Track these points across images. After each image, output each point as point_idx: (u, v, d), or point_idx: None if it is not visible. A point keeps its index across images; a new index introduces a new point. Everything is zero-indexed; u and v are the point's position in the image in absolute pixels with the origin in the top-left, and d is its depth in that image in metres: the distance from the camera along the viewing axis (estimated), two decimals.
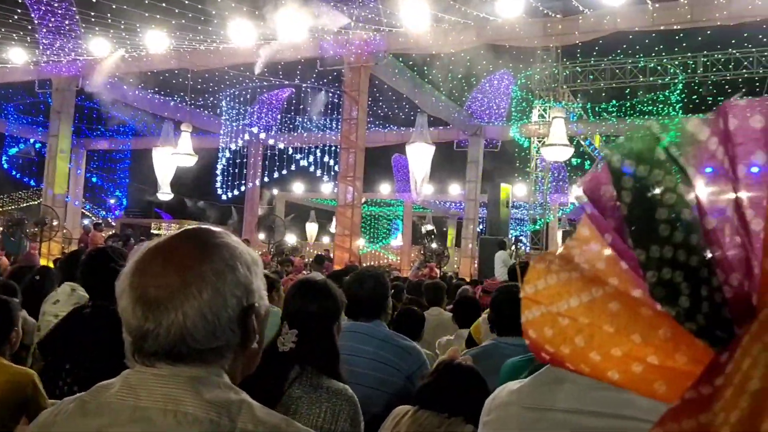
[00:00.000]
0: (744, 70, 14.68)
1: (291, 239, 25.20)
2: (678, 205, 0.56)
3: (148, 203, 27.45)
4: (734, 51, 14.34)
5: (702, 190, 0.56)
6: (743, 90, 14.48)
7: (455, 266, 20.92)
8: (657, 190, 0.57)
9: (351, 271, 8.86)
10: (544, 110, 15.62)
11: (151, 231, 26.44)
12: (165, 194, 16.95)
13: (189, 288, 1.01)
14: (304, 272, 14.44)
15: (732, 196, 0.55)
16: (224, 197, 18.30)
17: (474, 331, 3.98)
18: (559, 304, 0.61)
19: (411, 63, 13.13)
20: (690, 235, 0.56)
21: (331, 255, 14.97)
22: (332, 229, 21.93)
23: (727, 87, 14.69)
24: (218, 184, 17.87)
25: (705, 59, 14.74)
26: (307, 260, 18.22)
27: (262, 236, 18.29)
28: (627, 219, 0.58)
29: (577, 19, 10.46)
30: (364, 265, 26.14)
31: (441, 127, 17.22)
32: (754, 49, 14.30)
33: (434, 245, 18.06)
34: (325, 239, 31.56)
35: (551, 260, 0.63)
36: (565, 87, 16.40)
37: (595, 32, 10.85)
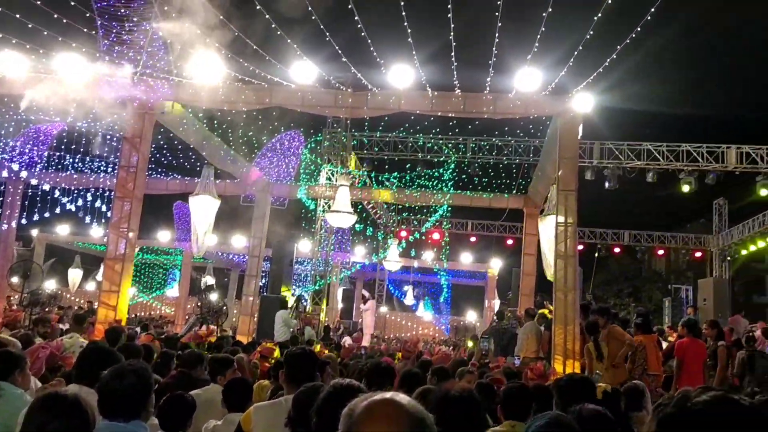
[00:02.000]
0: (504, 156, 16.77)
1: (51, 285, 22.63)
2: None
3: None
4: (496, 140, 16.36)
5: None
6: (502, 173, 16.43)
7: (233, 321, 20.33)
8: None
9: (113, 336, 8.13)
10: (332, 174, 16.15)
11: None
12: None
13: None
14: (61, 327, 12.94)
15: None
16: None
17: (245, 421, 3.78)
18: None
19: (201, 115, 12.79)
20: None
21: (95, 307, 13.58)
22: (99, 276, 20.14)
23: (490, 170, 16.62)
24: None
25: (473, 144, 16.60)
26: (67, 313, 16.42)
27: (15, 279, 16.19)
28: None
29: (366, 95, 11.06)
30: (135, 316, 24.31)
31: (228, 180, 16.89)
32: (512, 140, 16.46)
33: (213, 299, 17.40)
34: (91, 286, 28.88)
35: None
36: (352, 154, 17.20)
37: (381, 110, 11.56)
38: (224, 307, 16.74)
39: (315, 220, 17.42)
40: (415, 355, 9.06)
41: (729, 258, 25.08)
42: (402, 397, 1.52)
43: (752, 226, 22.52)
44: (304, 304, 17.87)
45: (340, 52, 9.58)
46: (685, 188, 17.15)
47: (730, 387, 9.25)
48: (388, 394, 1.53)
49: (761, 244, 22.97)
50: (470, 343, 15.34)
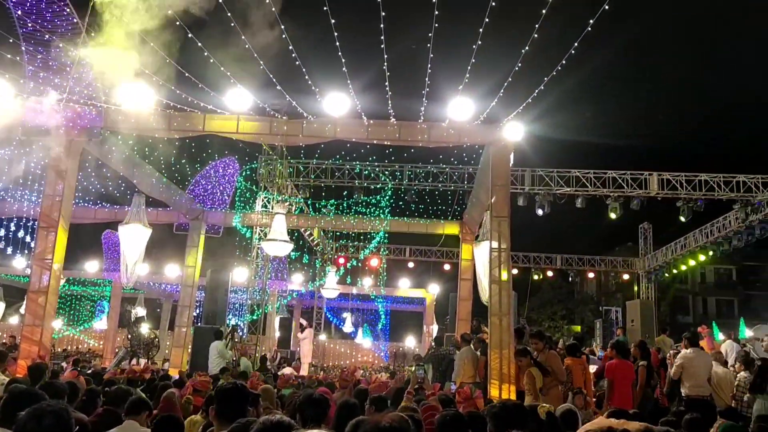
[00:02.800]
0: (439, 183, 17.06)
1: None
2: None
3: None
4: (432, 167, 16.65)
5: None
6: (438, 200, 16.64)
7: (166, 353, 19.71)
8: None
9: (36, 373, 7.73)
10: (268, 201, 15.98)
11: None
12: None
13: None
14: None
15: None
16: None
17: None
18: None
19: (131, 142, 12.47)
20: None
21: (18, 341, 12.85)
22: (23, 309, 19.18)
23: (426, 197, 16.87)
24: None
25: (410, 171, 16.84)
26: None
27: None
28: None
29: (302, 123, 11.05)
30: (62, 350, 23.20)
31: (160, 209, 16.48)
32: (447, 167, 16.78)
33: (144, 331, 16.82)
34: (14, 319, 27.44)
35: None
36: (289, 181, 17.11)
37: (317, 137, 11.55)
38: (155, 339, 16.20)
39: (251, 248, 17.17)
40: (352, 383, 8.97)
41: (654, 280, 26.13)
42: None
43: (675, 249, 23.59)
44: (240, 334, 17.47)
45: (274, 80, 9.58)
46: (612, 213, 17.81)
47: (654, 406, 9.56)
48: None
49: (683, 266, 24.06)
50: (412, 369, 15.33)
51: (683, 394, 8.98)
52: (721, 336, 16.82)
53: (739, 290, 46.81)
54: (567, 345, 9.94)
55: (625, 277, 28.34)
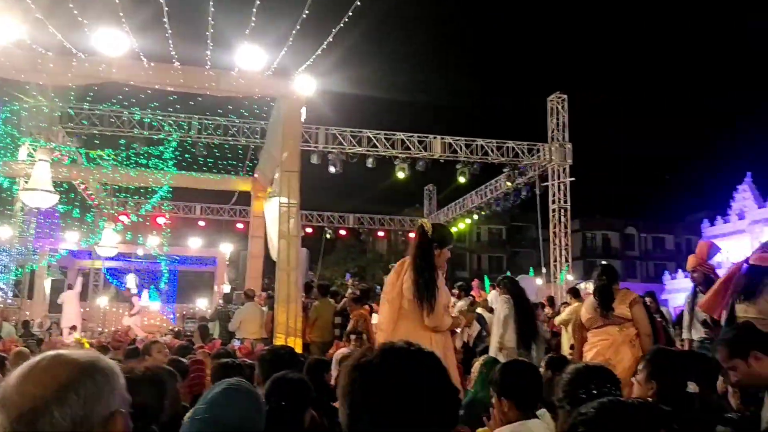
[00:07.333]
0: (230, 137, 16.49)
1: None
2: None
3: None
4: (222, 120, 15.97)
5: None
6: (229, 154, 16.03)
7: None
8: None
9: None
10: (34, 149, 14.19)
11: None
12: None
13: None
14: None
15: None
16: None
17: None
18: None
19: None
20: None
21: None
22: None
23: (215, 150, 16.13)
24: None
25: (198, 123, 15.98)
26: None
27: None
28: None
29: (71, 61, 9.88)
30: None
31: None
32: (238, 121, 16.22)
33: None
34: None
35: None
36: (59, 127, 15.36)
37: (90, 77, 10.45)
38: None
39: (14, 201, 15.30)
40: (127, 343, 8.43)
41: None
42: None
43: (455, 210, 25.50)
44: (3, 297, 15.62)
45: (39, 16, 8.42)
46: (400, 174, 18.61)
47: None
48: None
49: (462, 225, 26.14)
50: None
51: None
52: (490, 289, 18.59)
53: (507, 248, 52.42)
54: (354, 297, 10.29)
55: (412, 235, 30.05)
